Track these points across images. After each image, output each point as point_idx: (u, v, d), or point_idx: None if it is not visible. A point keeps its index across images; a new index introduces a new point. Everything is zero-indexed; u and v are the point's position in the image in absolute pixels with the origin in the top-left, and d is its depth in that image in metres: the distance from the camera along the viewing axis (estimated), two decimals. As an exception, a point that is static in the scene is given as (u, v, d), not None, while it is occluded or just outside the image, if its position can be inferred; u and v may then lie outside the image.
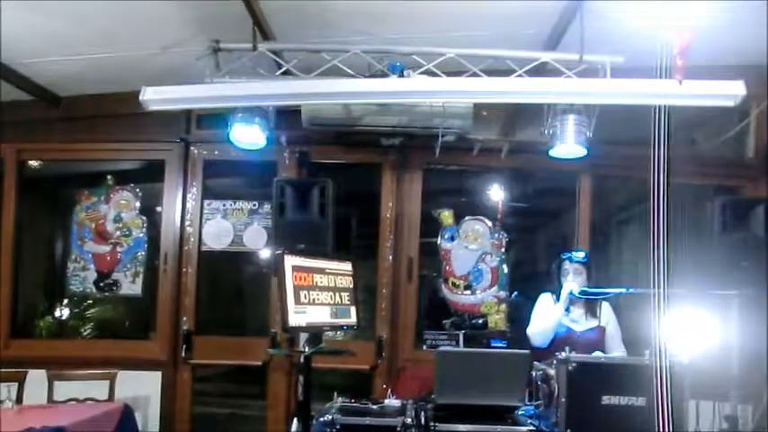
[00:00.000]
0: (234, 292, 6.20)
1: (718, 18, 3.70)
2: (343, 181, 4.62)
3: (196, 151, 5.14)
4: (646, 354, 3.30)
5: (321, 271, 3.48)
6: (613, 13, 3.73)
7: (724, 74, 3.77)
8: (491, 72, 4.00)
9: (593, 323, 3.98)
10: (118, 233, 5.22)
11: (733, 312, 4.20)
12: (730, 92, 3.59)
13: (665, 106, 2.96)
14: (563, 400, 3.14)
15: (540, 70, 4.04)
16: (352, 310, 3.70)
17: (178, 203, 5.12)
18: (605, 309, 4.05)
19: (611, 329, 4.00)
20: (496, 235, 5.10)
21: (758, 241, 4.18)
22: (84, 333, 5.83)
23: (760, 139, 4.89)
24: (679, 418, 3.11)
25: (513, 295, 5.07)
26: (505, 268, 5.09)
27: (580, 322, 3.97)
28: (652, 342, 2.80)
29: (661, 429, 2.36)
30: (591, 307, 4.00)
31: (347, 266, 3.74)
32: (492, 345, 4.45)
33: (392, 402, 3.59)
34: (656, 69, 3.03)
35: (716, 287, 4.12)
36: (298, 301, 3.24)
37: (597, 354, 3.75)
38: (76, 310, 5.81)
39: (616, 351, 3.93)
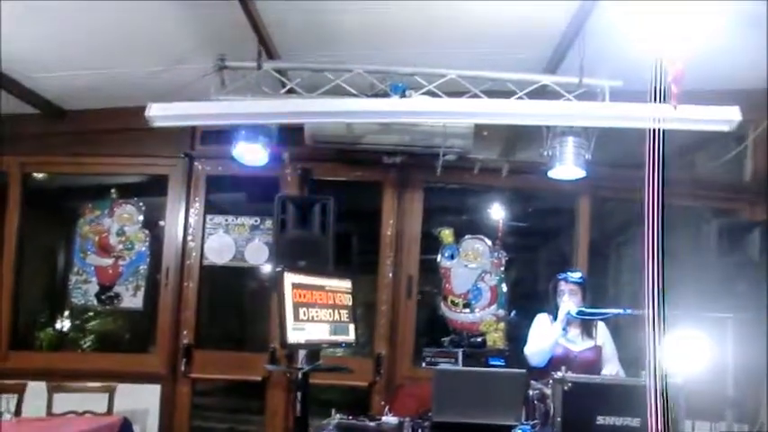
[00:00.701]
0: (235, 307, 6.23)
1: (716, 44, 3.76)
2: (344, 198, 4.67)
3: (200, 166, 5.19)
4: (642, 374, 3.33)
5: (321, 288, 3.51)
6: (613, 38, 3.78)
7: (722, 99, 3.84)
8: (492, 93, 4.07)
9: (589, 343, 4.00)
10: (120, 246, 5.26)
11: (728, 334, 4.24)
12: (726, 117, 3.66)
13: (660, 129, 3.01)
14: (558, 419, 3.14)
15: (540, 93, 4.10)
16: (351, 327, 3.73)
17: (181, 218, 5.16)
18: (601, 329, 4.07)
19: (607, 350, 4.02)
20: (496, 254, 5.13)
21: (754, 264, 4.22)
22: (85, 345, 5.86)
23: (757, 163, 4.94)
24: (675, 439, 3.15)
25: (511, 314, 5.09)
26: (504, 287, 5.12)
27: (577, 342, 3.99)
28: (646, 363, 2.84)
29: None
30: (587, 327, 4.02)
31: (347, 284, 3.77)
32: (490, 363, 4.47)
33: (390, 419, 3.60)
34: (651, 94, 3.09)
35: (713, 309, 4.16)
36: (297, 318, 3.27)
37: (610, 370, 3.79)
38: (77, 323, 5.84)
39: (613, 371, 3.94)
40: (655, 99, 3.13)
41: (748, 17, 3.65)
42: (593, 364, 3.89)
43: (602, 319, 4.00)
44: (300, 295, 3.33)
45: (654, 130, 3.02)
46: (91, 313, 5.74)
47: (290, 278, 3.31)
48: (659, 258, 2.52)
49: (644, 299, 2.61)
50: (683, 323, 3.77)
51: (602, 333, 4.07)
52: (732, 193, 5.08)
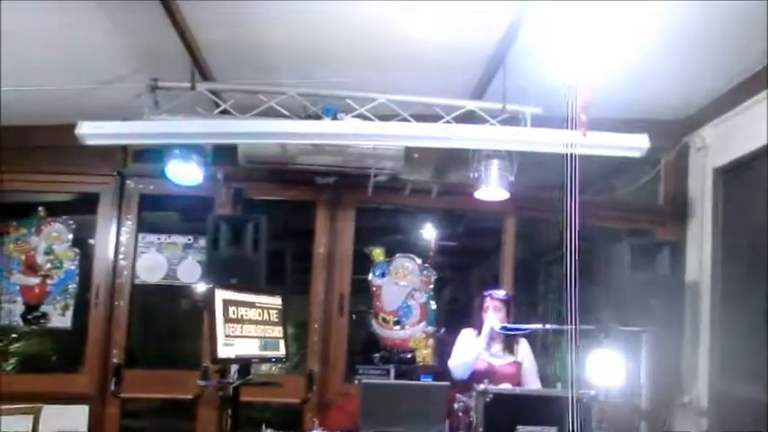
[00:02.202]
0: (167, 325, 6.16)
1: (634, 76, 4.05)
2: (278, 218, 4.73)
3: (132, 185, 5.15)
4: (558, 386, 3.52)
5: (251, 305, 3.57)
6: (534, 67, 4.00)
7: (641, 127, 4.13)
8: (420, 117, 4.24)
9: (510, 359, 4.17)
10: (49, 265, 5.13)
11: (642, 347, 4.50)
12: (636, 144, 3.94)
13: (574, 155, 3.22)
14: (480, 429, 3.29)
15: (467, 117, 4.30)
16: (281, 342, 3.79)
17: (112, 236, 5.10)
18: (523, 345, 4.25)
19: (527, 365, 4.20)
20: (425, 272, 5.26)
21: (664, 281, 4.50)
22: (9, 368, 5.67)
23: (668, 187, 5.28)
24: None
25: (441, 331, 5.22)
26: (433, 304, 5.24)
27: (499, 357, 4.16)
28: (567, 375, 3.02)
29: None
30: (509, 343, 4.20)
31: (277, 300, 3.84)
32: (421, 379, 4.61)
33: (318, 433, 3.68)
34: (567, 122, 3.31)
35: (628, 323, 4.41)
36: (227, 334, 3.32)
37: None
38: (1, 344, 5.65)
39: (532, 385, 4.12)
40: (569, 126, 3.37)
41: (663, 51, 3.94)
42: (513, 379, 4.06)
43: (523, 335, 4.18)
44: (231, 311, 3.38)
45: (570, 156, 3.25)
46: (14, 335, 5.58)
47: (220, 295, 3.36)
48: (576, 276, 2.72)
49: (565, 315, 2.81)
50: (600, 337, 4.00)
51: (524, 350, 4.26)
52: (646, 214, 5.37)
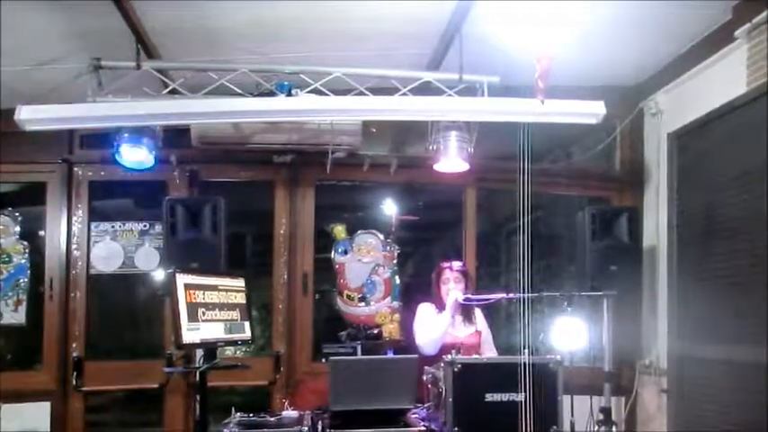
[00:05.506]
0: (127, 315, 6.02)
1: (587, 44, 4.05)
2: (236, 199, 4.63)
3: (80, 172, 4.98)
4: (524, 353, 3.55)
5: (214, 288, 3.50)
6: (490, 36, 3.97)
7: (595, 94, 4.14)
8: (377, 90, 4.18)
9: (471, 329, 4.21)
10: (-5, 260, 4.97)
11: (604, 312, 4.57)
12: (592, 111, 3.95)
13: (527, 123, 3.23)
14: (450, 399, 3.30)
15: (424, 89, 4.25)
16: (246, 325, 3.74)
17: (63, 227, 4.94)
18: (479, 315, 4.29)
19: (484, 335, 4.25)
20: (388, 247, 5.24)
21: (623, 247, 4.57)
22: (-40, 368, 5.46)
23: (624, 154, 5.33)
24: (554, 411, 3.38)
25: (404, 304, 5.21)
26: (397, 279, 5.23)
27: (460, 329, 4.18)
28: (534, 343, 3.04)
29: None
30: (468, 314, 4.23)
31: (240, 282, 3.77)
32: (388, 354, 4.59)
33: (290, 414, 3.65)
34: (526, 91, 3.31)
35: (590, 290, 4.46)
36: (191, 319, 3.25)
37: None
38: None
39: (489, 353, 4.16)
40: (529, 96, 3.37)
41: (618, 20, 3.95)
42: (476, 349, 4.11)
43: (486, 304, 4.20)
44: (194, 295, 3.31)
45: (523, 125, 3.25)
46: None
47: (182, 279, 3.28)
48: (529, 243, 2.74)
49: (519, 284, 2.82)
50: (563, 304, 4.04)
51: (480, 319, 4.30)
52: (604, 181, 5.42)
